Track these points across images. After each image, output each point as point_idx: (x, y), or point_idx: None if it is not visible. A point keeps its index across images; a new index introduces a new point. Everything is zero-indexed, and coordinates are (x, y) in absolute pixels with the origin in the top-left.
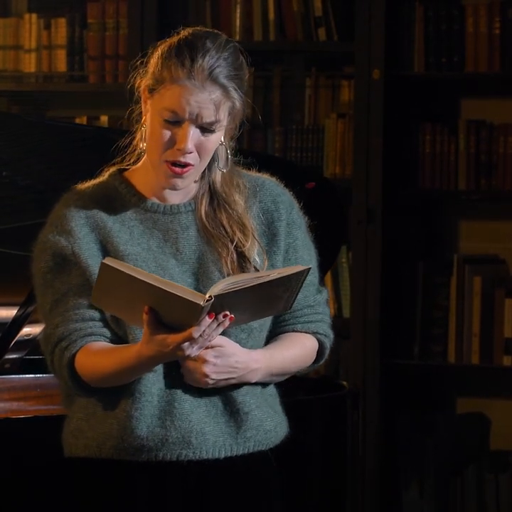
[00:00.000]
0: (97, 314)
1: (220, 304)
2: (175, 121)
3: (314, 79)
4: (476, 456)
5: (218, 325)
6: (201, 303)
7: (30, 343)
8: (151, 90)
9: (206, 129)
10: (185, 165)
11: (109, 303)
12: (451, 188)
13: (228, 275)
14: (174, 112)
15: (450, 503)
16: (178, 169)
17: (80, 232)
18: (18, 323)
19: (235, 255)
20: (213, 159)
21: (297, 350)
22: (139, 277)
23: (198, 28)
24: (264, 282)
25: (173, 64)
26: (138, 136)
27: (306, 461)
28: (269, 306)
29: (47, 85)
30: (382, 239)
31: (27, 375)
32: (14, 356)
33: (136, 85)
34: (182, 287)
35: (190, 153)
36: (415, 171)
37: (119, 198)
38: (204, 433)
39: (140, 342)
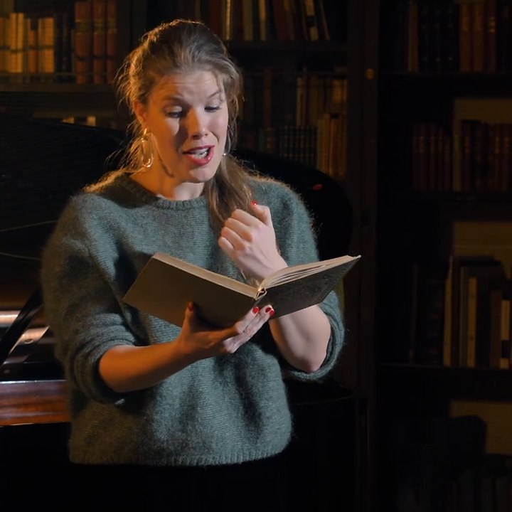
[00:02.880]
0: (117, 318)
1: (267, 298)
2: (180, 112)
3: (306, 79)
4: (472, 460)
5: (260, 319)
6: (254, 297)
7: (31, 348)
8: (143, 98)
9: (212, 107)
10: (206, 151)
11: (144, 300)
12: (446, 189)
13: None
14: (176, 99)
15: (446, 508)
16: (202, 160)
17: (94, 233)
18: (18, 328)
19: None
20: None
21: (318, 312)
22: (191, 273)
23: (162, 26)
24: (316, 274)
25: (155, 60)
26: (140, 150)
27: (315, 466)
28: (306, 299)
29: (34, 86)
30: (377, 240)
31: (26, 381)
32: (14, 362)
33: (127, 99)
34: (232, 281)
35: (206, 135)
36: (409, 172)
37: (128, 198)
38: (224, 438)
39: (176, 340)
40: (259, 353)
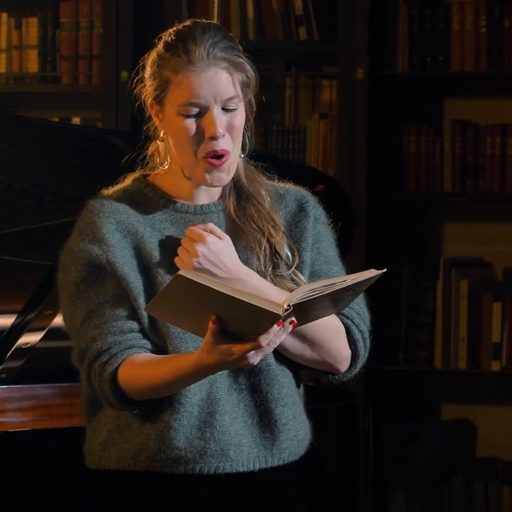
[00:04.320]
0: (135, 325)
1: (291, 311)
2: (197, 114)
3: (295, 79)
4: (463, 463)
5: (283, 332)
6: (280, 313)
7: (29, 352)
8: (159, 100)
9: (228, 109)
10: (222, 155)
11: (166, 312)
12: (437, 190)
13: (259, 272)
14: (192, 100)
15: None
16: (216, 161)
17: (112, 239)
18: (16, 331)
19: (267, 250)
20: None
21: (328, 317)
22: (217, 289)
23: (176, 26)
24: (341, 288)
25: (170, 59)
26: (156, 152)
27: (323, 469)
28: (328, 309)
29: (18, 86)
30: (367, 242)
31: (23, 386)
32: (11, 366)
33: (143, 101)
34: (258, 296)
35: (223, 136)
36: (400, 173)
37: (146, 202)
38: (241, 445)
39: (198, 351)
40: (273, 359)
